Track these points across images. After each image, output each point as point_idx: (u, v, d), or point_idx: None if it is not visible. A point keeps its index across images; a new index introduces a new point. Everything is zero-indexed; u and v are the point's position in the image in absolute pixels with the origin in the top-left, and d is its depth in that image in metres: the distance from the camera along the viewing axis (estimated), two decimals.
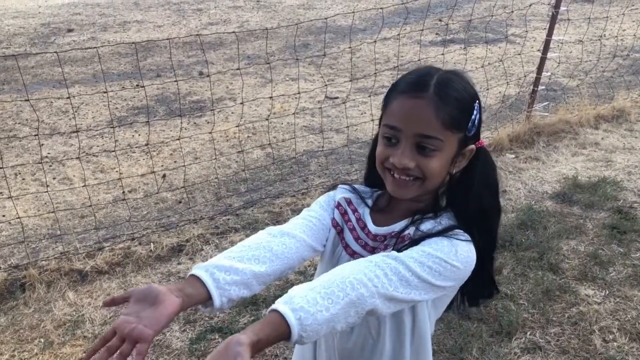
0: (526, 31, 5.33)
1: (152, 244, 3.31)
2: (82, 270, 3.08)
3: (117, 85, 6.03)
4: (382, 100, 1.24)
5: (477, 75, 5.30)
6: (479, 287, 1.31)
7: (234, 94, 5.69)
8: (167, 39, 4.80)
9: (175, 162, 4.28)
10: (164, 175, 4.09)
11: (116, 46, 7.14)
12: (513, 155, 4.24)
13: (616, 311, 2.65)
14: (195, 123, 5.10)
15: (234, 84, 5.95)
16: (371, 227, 1.29)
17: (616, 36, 5.80)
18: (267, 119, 4.35)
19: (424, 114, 1.15)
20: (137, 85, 5.91)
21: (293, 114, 4.43)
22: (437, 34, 7.44)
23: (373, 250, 1.26)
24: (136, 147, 4.55)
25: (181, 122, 4.61)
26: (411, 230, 1.22)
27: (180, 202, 3.79)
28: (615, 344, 2.45)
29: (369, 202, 1.34)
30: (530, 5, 5.43)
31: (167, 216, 3.63)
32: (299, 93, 4.34)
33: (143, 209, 3.73)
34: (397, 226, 1.26)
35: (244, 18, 8.96)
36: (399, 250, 1.16)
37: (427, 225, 1.21)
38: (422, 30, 5.02)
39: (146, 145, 4.32)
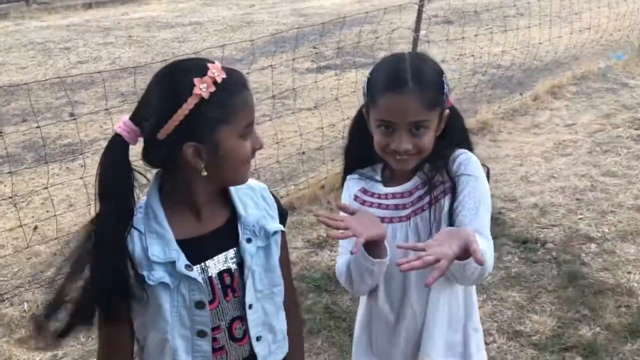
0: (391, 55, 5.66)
1: (25, 303, 3.07)
2: None
3: None
4: (364, 93, 1.46)
5: (352, 100, 5.49)
6: None
7: (108, 134, 5.45)
8: (29, 82, 4.53)
9: (47, 211, 4.01)
10: (35, 227, 3.82)
11: None
12: None
13: (494, 313, 2.82)
14: (68, 168, 4.83)
15: (108, 123, 5.71)
16: (385, 190, 1.51)
17: (473, 55, 6.28)
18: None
19: (411, 105, 1.36)
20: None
21: None
22: (312, 61, 7.64)
23: (404, 207, 1.48)
24: (2, 199, 4.21)
25: (48, 168, 4.35)
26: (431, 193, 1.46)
27: (55, 254, 3.55)
28: (495, 345, 2.60)
29: (378, 178, 1.55)
30: (392, 31, 5.75)
31: (41, 271, 3.39)
32: None
33: (13, 266, 3.46)
34: (413, 181, 1.49)
35: (116, 54, 8.68)
36: (435, 199, 1.44)
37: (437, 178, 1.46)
38: (294, 59, 5.15)
39: (10, 197, 4.02)
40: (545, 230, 3.57)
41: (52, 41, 9.74)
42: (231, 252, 1.27)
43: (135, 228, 1.21)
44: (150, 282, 1.19)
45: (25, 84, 4.87)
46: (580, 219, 3.71)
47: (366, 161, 1.57)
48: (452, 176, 1.45)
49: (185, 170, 1.20)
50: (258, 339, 1.30)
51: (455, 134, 1.51)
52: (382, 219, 1.47)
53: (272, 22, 10.47)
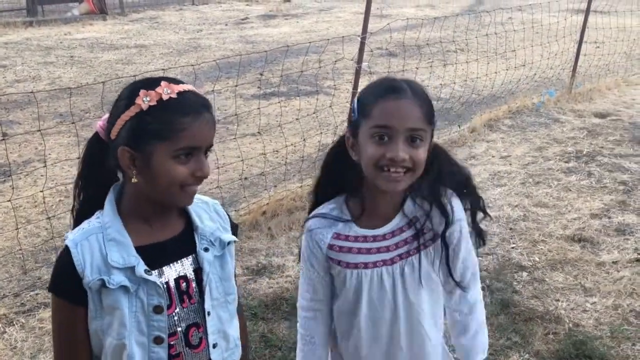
0: (334, 84, 5.75)
1: None
2: None
3: None
4: (355, 111, 1.37)
5: (296, 127, 5.53)
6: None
7: (43, 155, 5.28)
8: None
9: None
10: None
11: None
12: None
13: None
14: None
15: (44, 144, 5.53)
16: (362, 232, 1.41)
17: None
18: None
19: (411, 110, 1.31)
20: None
21: None
22: (258, 87, 7.67)
23: (387, 250, 1.39)
24: None
25: None
26: (421, 220, 1.39)
27: None
28: None
29: (347, 217, 1.43)
30: (336, 61, 5.85)
31: None
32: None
33: None
34: (396, 221, 1.40)
35: (56, 74, 8.45)
36: (423, 245, 1.39)
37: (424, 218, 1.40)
38: (236, 85, 5.15)
39: None
40: (479, 258, 3.66)
41: None
42: (188, 260, 1.33)
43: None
44: (111, 286, 1.21)
45: None
46: (512, 247, 3.83)
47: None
48: (448, 220, 1.39)
49: (128, 178, 1.27)
50: (214, 346, 1.34)
51: (439, 167, 1.42)
52: (366, 265, 1.39)
53: (219, 47, 10.47)
